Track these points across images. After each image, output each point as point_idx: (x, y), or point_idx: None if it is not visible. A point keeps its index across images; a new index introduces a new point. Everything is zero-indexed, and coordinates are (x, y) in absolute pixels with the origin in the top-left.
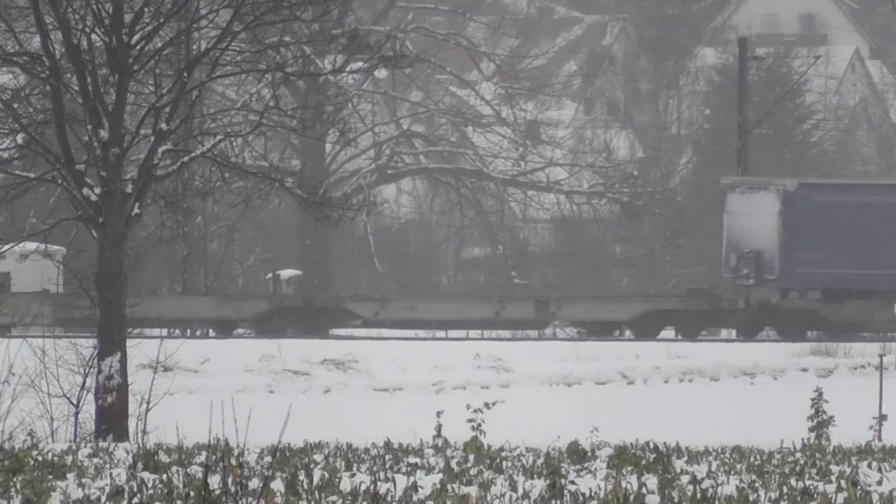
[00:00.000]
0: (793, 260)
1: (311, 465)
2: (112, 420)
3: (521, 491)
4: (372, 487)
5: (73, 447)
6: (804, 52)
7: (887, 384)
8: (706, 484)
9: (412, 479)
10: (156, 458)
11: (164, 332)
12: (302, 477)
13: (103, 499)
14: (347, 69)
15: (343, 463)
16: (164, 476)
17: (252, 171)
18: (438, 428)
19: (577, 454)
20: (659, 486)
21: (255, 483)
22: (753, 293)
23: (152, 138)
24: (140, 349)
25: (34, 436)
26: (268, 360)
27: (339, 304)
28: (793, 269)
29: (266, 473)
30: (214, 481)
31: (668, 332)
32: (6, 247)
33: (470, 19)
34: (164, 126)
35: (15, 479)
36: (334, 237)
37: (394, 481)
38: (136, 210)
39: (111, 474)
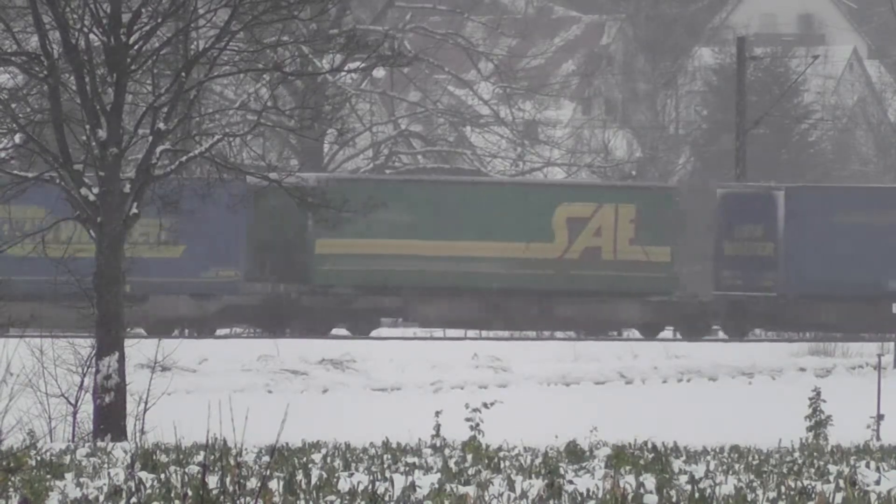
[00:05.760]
0: None
1: (310, 465)
2: (110, 420)
3: (519, 491)
4: (370, 487)
5: (72, 447)
6: (802, 52)
7: (885, 384)
8: (704, 484)
9: (410, 478)
10: (154, 457)
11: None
12: (300, 476)
13: (101, 498)
14: (346, 69)
15: (341, 462)
16: (162, 476)
17: (250, 170)
18: (437, 428)
19: (576, 454)
20: (657, 485)
21: (253, 483)
22: None
23: (150, 138)
24: (138, 349)
25: (32, 435)
26: (266, 360)
27: None
28: None
29: (264, 473)
30: (212, 481)
31: (667, 332)
32: (4, 246)
33: (468, 19)
34: (162, 126)
35: (13, 479)
36: None
37: (392, 481)
38: (135, 210)
39: (109, 474)
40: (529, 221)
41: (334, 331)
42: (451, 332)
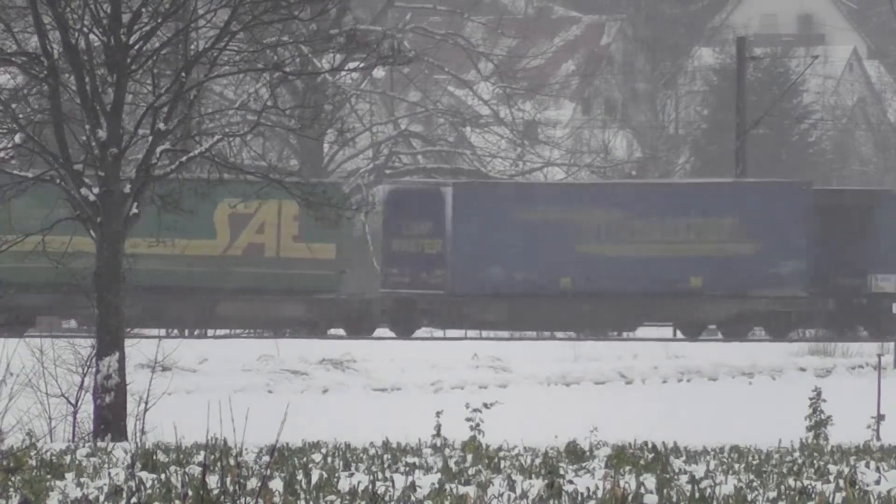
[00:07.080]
0: None
1: (310, 465)
2: (110, 420)
3: (519, 491)
4: (370, 487)
5: (72, 447)
6: (802, 52)
7: (885, 384)
8: (704, 483)
9: (410, 478)
10: (154, 457)
11: (163, 331)
12: (300, 476)
13: (101, 498)
14: (346, 69)
15: (341, 462)
16: (163, 476)
17: (250, 170)
18: (437, 427)
19: (576, 454)
20: (657, 485)
21: (253, 483)
22: None
23: (150, 138)
24: (138, 349)
25: (32, 435)
26: (266, 360)
27: None
28: None
29: (264, 473)
30: (213, 481)
31: (667, 332)
32: (4, 246)
33: (468, 19)
34: (162, 126)
35: (13, 479)
36: None
37: (392, 481)
38: (135, 210)
39: (109, 474)
40: (189, 217)
41: (333, 331)
42: (450, 333)
